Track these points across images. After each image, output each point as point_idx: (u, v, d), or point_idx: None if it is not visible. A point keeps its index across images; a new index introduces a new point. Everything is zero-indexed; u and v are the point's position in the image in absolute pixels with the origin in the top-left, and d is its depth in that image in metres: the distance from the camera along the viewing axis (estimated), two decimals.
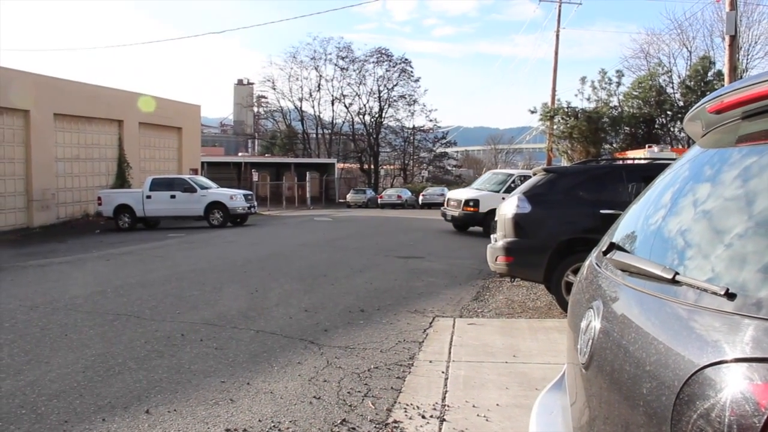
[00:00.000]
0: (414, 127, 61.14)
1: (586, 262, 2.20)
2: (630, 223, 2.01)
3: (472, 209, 17.43)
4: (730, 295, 1.13)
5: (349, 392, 4.34)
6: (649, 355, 1.26)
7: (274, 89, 59.87)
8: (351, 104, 59.50)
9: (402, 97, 59.46)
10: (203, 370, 4.83)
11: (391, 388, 4.44)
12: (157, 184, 20.42)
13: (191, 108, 30.34)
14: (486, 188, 18.41)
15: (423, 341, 5.76)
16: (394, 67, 58.47)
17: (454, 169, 67.33)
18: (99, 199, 20.57)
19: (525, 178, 18.46)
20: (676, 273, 1.32)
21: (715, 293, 1.17)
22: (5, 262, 11.81)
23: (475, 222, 17.65)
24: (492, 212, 17.26)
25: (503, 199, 16.51)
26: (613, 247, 1.86)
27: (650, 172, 7.20)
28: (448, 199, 19.20)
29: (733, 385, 1.00)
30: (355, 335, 5.94)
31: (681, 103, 30.46)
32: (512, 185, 17.71)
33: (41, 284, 8.95)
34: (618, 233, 2.01)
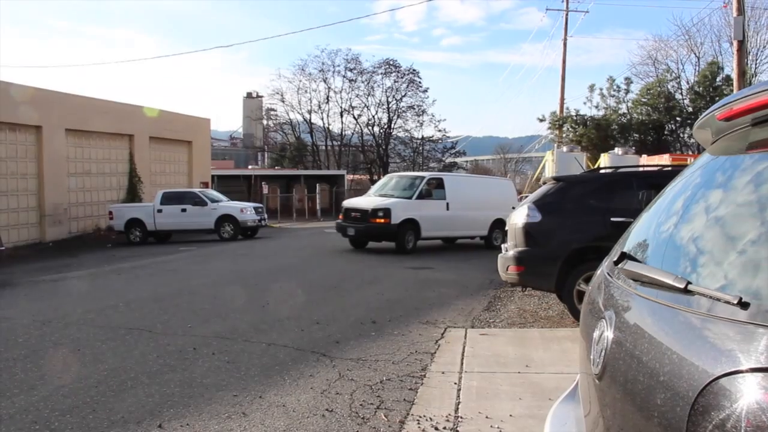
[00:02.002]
0: (423, 138, 61.04)
1: (598, 272, 2.19)
2: (641, 231, 2.00)
3: (382, 220, 14.37)
4: (743, 304, 1.12)
5: (361, 404, 4.32)
6: (663, 365, 1.25)
7: (283, 102, 59.93)
8: (360, 115, 59.51)
9: (410, 107, 59.43)
10: (215, 384, 4.83)
11: (404, 399, 4.42)
12: (168, 198, 20.51)
13: (201, 122, 30.51)
14: (394, 195, 15.34)
15: (435, 352, 5.74)
16: (402, 77, 58.49)
17: None
18: (110, 213, 20.69)
19: (435, 180, 15.75)
20: (689, 282, 1.31)
21: (728, 302, 1.16)
22: (18, 277, 11.90)
23: (386, 236, 14.66)
24: (406, 222, 14.58)
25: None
26: (624, 256, 1.85)
27: (660, 179, 7.17)
28: (347, 210, 15.53)
29: (748, 395, 0.99)
30: (367, 347, 5.93)
31: (690, 109, 30.32)
32: (424, 190, 15.20)
33: (54, 299, 9.01)
34: (629, 242, 1.99)
